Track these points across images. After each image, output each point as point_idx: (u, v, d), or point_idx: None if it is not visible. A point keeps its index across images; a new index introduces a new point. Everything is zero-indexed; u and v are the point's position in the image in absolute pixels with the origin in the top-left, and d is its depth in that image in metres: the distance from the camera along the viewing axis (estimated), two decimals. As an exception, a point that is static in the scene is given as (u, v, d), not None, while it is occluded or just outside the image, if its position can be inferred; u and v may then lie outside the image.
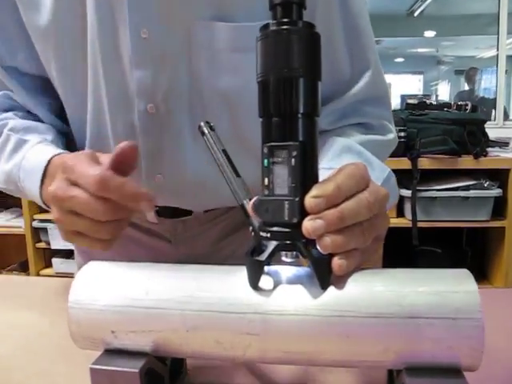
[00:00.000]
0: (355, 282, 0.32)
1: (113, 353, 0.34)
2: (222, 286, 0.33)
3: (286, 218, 0.32)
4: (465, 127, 1.71)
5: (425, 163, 1.67)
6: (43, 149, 0.49)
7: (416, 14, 5.14)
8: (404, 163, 1.67)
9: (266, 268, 0.33)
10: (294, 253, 0.33)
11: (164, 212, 0.59)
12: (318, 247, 0.32)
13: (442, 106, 1.89)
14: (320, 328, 0.31)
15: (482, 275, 1.93)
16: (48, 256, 2.26)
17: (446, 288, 0.31)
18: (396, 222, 1.76)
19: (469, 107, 1.83)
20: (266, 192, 0.32)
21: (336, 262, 0.32)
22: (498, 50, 2.61)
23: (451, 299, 0.30)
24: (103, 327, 0.34)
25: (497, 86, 2.64)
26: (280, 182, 0.32)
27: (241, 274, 0.33)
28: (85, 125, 0.53)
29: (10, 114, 0.56)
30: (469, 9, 4.77)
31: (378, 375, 0.39)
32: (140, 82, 0.49)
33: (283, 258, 0.33)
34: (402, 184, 1.75)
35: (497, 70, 2.63)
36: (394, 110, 1.96)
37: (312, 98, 0.32)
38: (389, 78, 7.65)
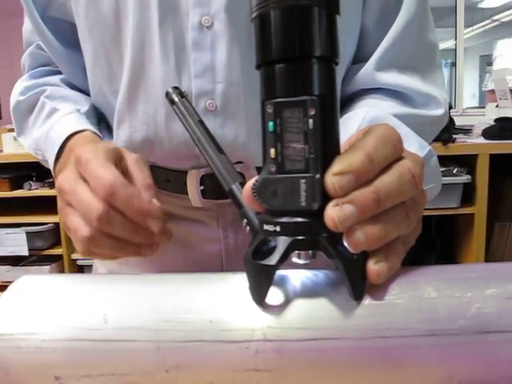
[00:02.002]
0: (399, 288, 0.23)
1: (59, 406, 0.24)
2: (213, 304, 0.23)
3: (303, 204, 0.22)
4: (431, 113, 1.68)
5: (393, 151, 1.62)
6: (70, 122, 0.48)
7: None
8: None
9: (285, 274, 0.24)
10: (310, 251, 0.24)
11: (210, 188, 0.48)
12: (347, 244, 0.23)
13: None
14: (357, 355, 0.22)
15: (451, 264, 1.92)
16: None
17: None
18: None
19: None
20: (273, 168, 0.23)
21: (372, 267, 0.23)
22: (456, 39, 2.64)
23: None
24: (43, 372, 0.23)
25: (456, 76, 2.67)
26: (293, 153, 0.22)
27: (240, 285, 0.24)
28: (118, 48, 0.46)
29: (48, 78, 0.55)
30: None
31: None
32: None
33: (294, 259, 0.24)
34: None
35: (455, 60, 2.67)
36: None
37: (330, 35, 0.23)
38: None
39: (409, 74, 0.49)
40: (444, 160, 1.67)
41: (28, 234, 1.91)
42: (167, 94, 0.35)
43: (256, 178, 0.24)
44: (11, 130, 2.06)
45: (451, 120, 1.73)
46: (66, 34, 0.52)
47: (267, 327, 0.22)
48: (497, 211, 1.76)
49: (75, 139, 0.46)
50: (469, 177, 1.65)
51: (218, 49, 0.44)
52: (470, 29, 4.71)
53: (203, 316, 0.23)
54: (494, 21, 4.93)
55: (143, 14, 0.44)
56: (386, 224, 0.23)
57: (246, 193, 0.25)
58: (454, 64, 2.76)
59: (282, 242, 0.23)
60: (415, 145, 0.43)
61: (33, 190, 1.90)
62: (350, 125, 0.44)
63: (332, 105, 0.23)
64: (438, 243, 1.86)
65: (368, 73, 0.49)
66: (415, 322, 0.22)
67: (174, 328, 0.23)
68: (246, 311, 0.23)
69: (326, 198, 0.22)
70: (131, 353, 0.23)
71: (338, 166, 0.22)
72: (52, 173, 0.50)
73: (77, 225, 0.34)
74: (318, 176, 0.22)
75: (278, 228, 0.23)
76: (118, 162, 0.37)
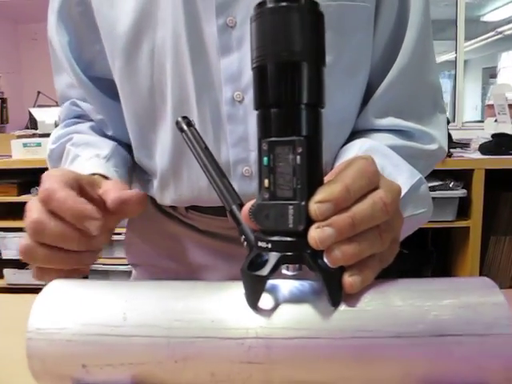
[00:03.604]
0: (370, 297, 0.28)
1: (84, 390, 0.29)
2: (215, 307, 0.28)
3: (291, 226, 0.27)
4: (429, 128, 1.73)
5: (392, 164, 1.67)
6: (86, 167, 0.49)
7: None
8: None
9: (275, 283, 0.29)
10: (296, 265, 0.29)
11: None
12: (326, 260, 0.27)
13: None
14: (333, 352, 0.27)
15: (446, 275, 1.96)
16: (-1, 267, 2.11)
17: (473, 300, 0.27)
18: (364, 223, 1.76)
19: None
20: (267, 195, 0.28)
21: (347, 279, 0.27)
22: (456, 52, 2.67)
23: (479, 313, 0.27)
24: (72, 361, 0.28)
25: (455, 89, 2.70)
26: (283, 184, 0.27)
27: (237, 291, 0.28)
28: (158, 121, 0.51)
29: (81, 126, 0.59)
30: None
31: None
32: (226, 70, 0.47)
33: (284, 271, 0.29)
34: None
35: (456, 72, 2.68)
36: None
37: (317, 85, 0.28)
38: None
39: (405, 118, 0.52)
40: (440, 174, 1.72)
41: (34, 238, 1.96)
42: (177, 123, 0.39)
43: (252, 202, 0.29)
44: (20, 137, 2.12)
45: (449, 135, 1.78)
46: (111, 88, 0.55)
47: (259, 327, 0.27)
48: (492, 225, 1.81)
49: None
50: (464, 191, 1.69)
51: (249, 121, 0.48)
52: (474, 41, 4.76)
53: (206, 317, 0.28)
54: (498, 33, 4.99)
55: (181, 91, 0.49)
56: (360, 243, 0.28)
57: (243, 214, 0.29)
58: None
59: (273, 257, 0.27)
60: (406, 173, 0.46)
61: (40, 195, 1.94)
62: (347, 154, 0.49)
63: (317, 144, 0.28)
64: (434, 255, 1.90)
65: (365, 119, 0.53)
66: (383, 326, 0.27)
67: (182, 326, 0.27)
68: (242, 313, 0.27)
69: (310, 221, 0.27)
70: (146, 346, 0.27)
71: (319, 195, 0.27)
72: None
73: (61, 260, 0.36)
74: (303, 203, 0.27)
75: (269, 245, 0.27)
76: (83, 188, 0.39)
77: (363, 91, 0.54)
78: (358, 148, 0.49)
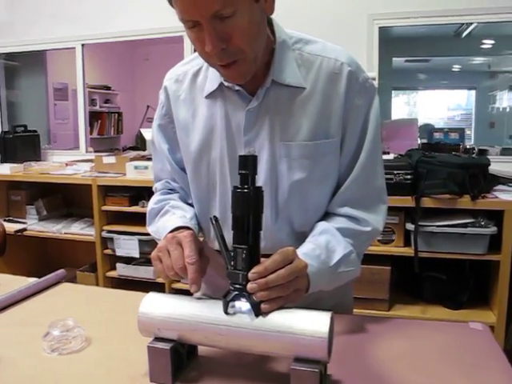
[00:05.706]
0: (273, 314, 0.66)
1: (158, 339, 0.71)
2: (210, 311, 0.68)
3: (240, 281, 0.66)
4: (467, 170, 1.95)
5: (427, 202, 1.94)
6: (178, 221, 0.87)
7: (463, 36, 5.24)
8: (409, 201, 1.95)
9: (235, 303, 0.68)
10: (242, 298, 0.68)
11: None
12: (254, 297, 0.66)
13: (452, 149, 2.13)
14: (254, 335, 0.65)
15: (484, 301, 2.15)
16: (113, 261, 2.72)
17: (314, 319, 0.64)
18: (403, 250, 2.05)
19: (476, 150, 2.06)
20: (232, 268, 0.67)
21: (262, 306, 0.66)
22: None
23: (315, 326, 0.64)
24: (154, 326, 0.70)
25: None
26: (238, 264, 0.67)
27: (220, 305, 0.68)
28: (212, 203, 0.93)
29: (174, 195, 1.00)
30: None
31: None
32: None
33: (241, 299, 0.68)
34: (408, 218, 2.03)
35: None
36: (409, 153, 2.22)
37: (256, 224, 0.67)
38: (438, 93, 7.66)
39: (356, 208, 0.87)
40: (474, 212, 1.93)
41: (140, 241, 2.52)
42: (210, 219, 0.79)
43: (228, 270, 0.68)
44: (132, 159, 2.70)
45: (485, 176, 1.97)
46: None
47: (226, 321, 0.67)
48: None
49: (176, 231, 0.83)
50: (495, 229, 1.89)
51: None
52: None
53: (206, 314, 0.68)
54: None
55: (224, 187, 0.88)
56: (269, 292, 0.66)
57: (226, 274, 0.69)
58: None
59: (232, 293, 0.67)
60: (343, 246, 0.83)
61: (145, 207, 2.49)
62: (314, 229, 0.86)
63: (256, 247, 0.67)
64: (470, 282, 2.11)
65: (331, 206, 0.89)
66: (271, 327, 0.65)
67: (196, 317, 0.68)
68: (220, 315, 0.67)
69: (248, 280, 0.66)
70: (181, 324, 0.68)
71: (253, 270, 0.66)
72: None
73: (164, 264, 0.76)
74: (245, 273, 0.66)
75: (232, 288, 0.67)
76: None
77: (333, 190, 0.90)
78: (317, 228, 0.86)
